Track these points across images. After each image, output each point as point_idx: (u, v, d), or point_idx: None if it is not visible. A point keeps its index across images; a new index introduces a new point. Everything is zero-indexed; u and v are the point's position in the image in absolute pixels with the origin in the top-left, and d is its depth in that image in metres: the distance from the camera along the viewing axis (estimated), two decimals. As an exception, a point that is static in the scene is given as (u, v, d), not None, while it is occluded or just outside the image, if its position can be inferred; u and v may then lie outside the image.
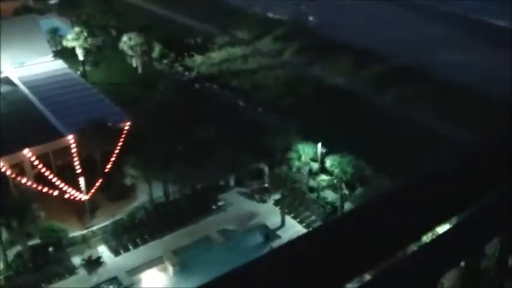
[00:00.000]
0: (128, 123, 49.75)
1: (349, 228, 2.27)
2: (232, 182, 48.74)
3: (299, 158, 46.93)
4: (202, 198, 46.96)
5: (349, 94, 59.23)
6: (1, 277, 39.96)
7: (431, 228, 2.38)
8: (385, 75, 61.35)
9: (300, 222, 44.54)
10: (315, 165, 47.44)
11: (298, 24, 75.10)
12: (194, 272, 40.66)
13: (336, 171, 45.24)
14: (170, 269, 41.46)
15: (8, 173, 45.05)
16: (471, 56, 62.77)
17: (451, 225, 2.51)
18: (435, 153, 43.85)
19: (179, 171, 45.94)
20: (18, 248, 41.10)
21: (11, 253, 40.96)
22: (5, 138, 44.87)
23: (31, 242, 41.24)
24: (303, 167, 46.99)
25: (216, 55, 68.60)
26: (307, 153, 47.01)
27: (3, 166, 44.53)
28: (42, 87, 57.32)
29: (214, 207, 46.42)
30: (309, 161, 47.12)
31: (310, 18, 77.03)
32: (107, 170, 46.78)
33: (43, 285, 39.86)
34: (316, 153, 47.32)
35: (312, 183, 47.10)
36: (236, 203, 46.81)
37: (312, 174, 47.28)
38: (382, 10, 78.83)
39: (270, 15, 79.65)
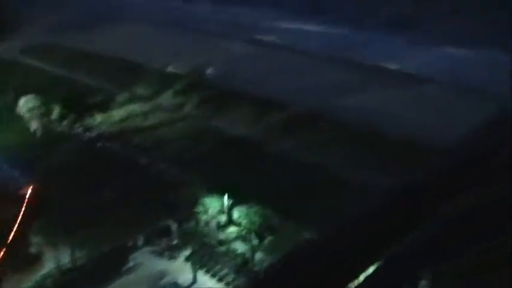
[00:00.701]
0: (30, 188, 48.60)
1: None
2: (140, 241, 48.10)
3: (206, 212, 47.02)
4: (110, 260, 46.03)
5: (253, 143, 59.83)
6: None
7: (355, 276, 2.54)
8: (287, 122, 62.31)
9: (212, 276, 44.35)
10: (223, 218, 47.55)
11: (197, 77, 75.62)
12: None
13: (244, 222, 45.58)
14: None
15: None
16: (370, 99, 64.69)
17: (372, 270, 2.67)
18: (343, 198, 44.96)
19: (85, 233, 45.16)
20: None
21: None
22: None
23: None
24: (211, 220, 47.02)
25: (117, 113, 68.02)
26: (214, 206, 47.15)
27: None
28: None
29: (123, 268, 45.62)
30: (216, 213, 47.26)
31: (209, 70, 77.70)
32: (9, 239, 45.39)
33: None
34: (223, 205, 47.53)
35: (221, 235, 47.10)
36: (146, 263, 46.03)
37: (221, 226, 47.31)
38: (282, 58, 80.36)
39: (169, 69, 79.93)
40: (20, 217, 46.16)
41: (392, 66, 73.50)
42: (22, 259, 44.65)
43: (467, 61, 68.70)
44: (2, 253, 44.05)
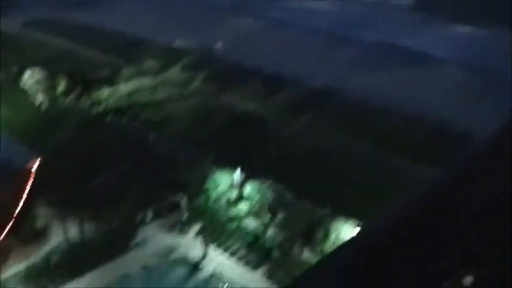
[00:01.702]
0: (37, 163, 47.78)
1: None
2: (149, 216, 47.29)
3: (216, 188, 46.25)
4: (120, 234, 45.25)
5: (263, 120, 58.95)
6: None
7: None
8: (297, 100, 61.42)
9: (224, 251, 43.59)
10: (234, 193, 46.80)
11: (205, 52, 74.68)
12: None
13: (256, 197, 44.78)
14: (90, 311, 39.68)
15: None
16: (381, 77, 63.85)
17: None
18: (355, 176, 44.58)
19: (94, 208, 44.45)
20: None
21: None
22: None
23: None
24: (222, 196, 46.27)
25: (124, 87, 66.96)
26: (225, 181, 46.41)
27: None
28: None
29: (132, 243, 44.87)
30: (227, 189, 46.49)
31: (218, 45, 76.75)
32: (17, 212, 44.64)
33: None
34: (234, 181, 46.75)
35: (232, 211, 46.34)
36: (156, 237, 45.30)
37: (232, 202, 46.54)
38: (290, 36, 79.49)
39: (176, 44, 78.90)
40: (26, 191, 45.46)
41: (405, 44, 72.58)
42: (29, 232, 43.95)
43: (480, 40, 67.79)
44: (9, 226, 43.36)
